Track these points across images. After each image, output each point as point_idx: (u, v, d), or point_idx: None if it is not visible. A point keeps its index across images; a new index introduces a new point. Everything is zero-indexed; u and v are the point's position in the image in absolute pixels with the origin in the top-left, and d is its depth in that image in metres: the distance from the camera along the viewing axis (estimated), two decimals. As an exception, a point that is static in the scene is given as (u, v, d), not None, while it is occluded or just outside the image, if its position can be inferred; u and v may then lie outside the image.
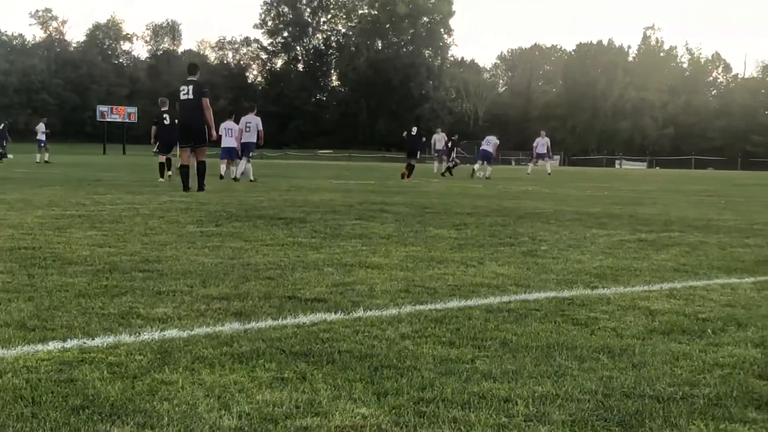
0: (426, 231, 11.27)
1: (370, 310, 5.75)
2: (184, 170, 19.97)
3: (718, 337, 5.26)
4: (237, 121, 28.70)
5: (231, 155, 28.72)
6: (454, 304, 6.08)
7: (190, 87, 19.25)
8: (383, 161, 75.74)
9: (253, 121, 27.96)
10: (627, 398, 3.92)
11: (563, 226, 12.36)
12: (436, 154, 47.32)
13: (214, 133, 19.81)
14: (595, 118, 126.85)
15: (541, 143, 47.64)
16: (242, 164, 27.49)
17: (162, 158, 27.13)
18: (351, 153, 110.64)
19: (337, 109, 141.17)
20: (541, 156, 48.58)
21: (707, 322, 5.69)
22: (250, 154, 28.01)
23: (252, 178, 26.95)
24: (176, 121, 23.44)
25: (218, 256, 8.35)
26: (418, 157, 35.68)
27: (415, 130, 36.42)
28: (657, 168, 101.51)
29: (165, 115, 27.38)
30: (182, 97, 19.37)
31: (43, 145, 48.48)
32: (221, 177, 27.63)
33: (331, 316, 5.53)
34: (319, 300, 6.09)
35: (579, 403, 3.82)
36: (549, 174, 44.52)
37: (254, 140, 27.76)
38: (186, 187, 19.46)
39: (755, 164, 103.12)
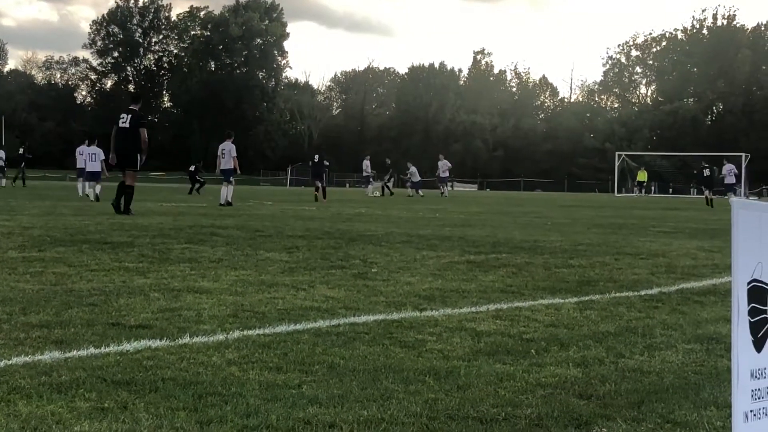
0: (257, 254, 11.19)
1: (197, 336, 5.67)
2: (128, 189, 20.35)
3: (541, 357, 5.37)
4: (90, 146, 32.76)
5: (94, 178, 32.27)
6: (282, 328, 6.05)
7: (129, 116, 20.06)
8: (215, 183, 75.11)
9: (227, 147, 29.37)
10: (451, 420, 3.95)
11: (394, 248, 12.45)
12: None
13: (144, 157, 20.32)
14: (428, 140, 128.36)
15: (444, 167, 49.36)
16: (224, 189, 28.77)
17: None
18: (184, 174, 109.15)
19: (170, 130, 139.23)
20: (443, 180, 50.22)
21: (531, 342, 5.80)
22: (231, 178, 29.34)
23: (230, 201, 28.42)
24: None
25: (40, 282, 8.10)
26: (324, 180, 38.46)
27: (317, 157, 39.83)
28: (488, 190, 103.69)
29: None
30: (120, 124, 20.09)
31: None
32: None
33: (156, 343, 5.42)
34: (144, 326, 5.97)
35: (404, 427, 3.84)
36: (443, 195, 47.05)
37: (231, 166, 29.12)
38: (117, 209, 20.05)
39: (580, 186, 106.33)
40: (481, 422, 3.94)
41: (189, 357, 5.07)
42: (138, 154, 20.04)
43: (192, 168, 46.70)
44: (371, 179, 50.47)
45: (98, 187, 31.85)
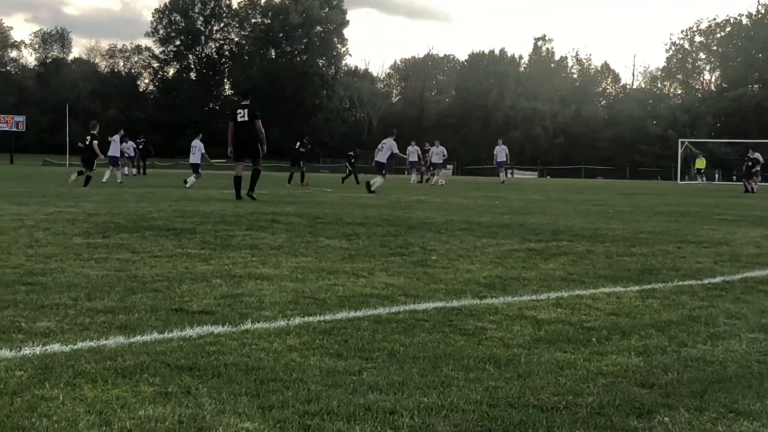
0: (317, 241, 11.24)
1: (258, 323, 5.71)
2: (237, 180, 22.35)
3: (602, 345, 5.35)
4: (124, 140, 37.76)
5: (114, 163, 37.67)
6: (342, 315, 6.08)
7: (246, 111, 22.05)
8: (277, 171, 75.24)
9: (388, 143, 32.51)
10: (512, 408, 3.95)
11: (453, 236, 12.44)
12: (410, 166, 50.21)
13: (265, 148, 22.30)
14: (487, 127, 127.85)
15: (501, 151, 48.76)
16: (378, 179, 31.21)
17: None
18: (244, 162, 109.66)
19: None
20: (500, 165, 49.64)
21: (592, 330, 5.78)
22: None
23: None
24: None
25: (104, 268, 8.21)
26: (302, 165, 40.13)
27: (298, 144, 41.10)
28: (548, 177, 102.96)
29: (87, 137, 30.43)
30: (239, 119, 22.06)
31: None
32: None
33: (219, 329, 5.48)
34: (207, 312, 6.03)
35: (464, 414, 3.84)
36: (502, 182, 46.38)
37: (384, 160, 32.27)
38: (238, 196, 21.93)
39: (642, 173, 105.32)
40: (541, 410, 3.93)
41: (251, 343, 5.12)
42: (258, 144, 21.94)
43: (351, 154, 47.07)
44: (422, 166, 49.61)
45: (116, 172, 37.10)
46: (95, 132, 29.89)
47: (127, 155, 40.92)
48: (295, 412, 3.80)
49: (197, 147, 34.72)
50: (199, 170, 34.15)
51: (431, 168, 47.87)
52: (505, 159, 50.87)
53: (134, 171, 47.90)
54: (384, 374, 4.49)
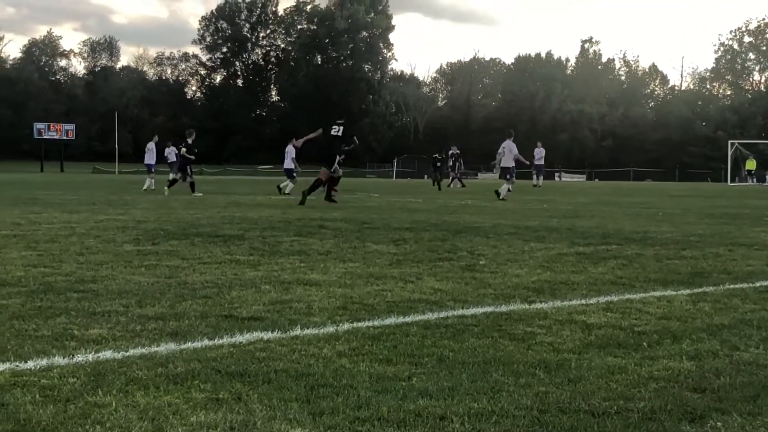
0: (365, 247, 11.26)
1: (308, 328, 5.73)
2: (318, 183, 24.05)
3: (653, 350, 5.31)
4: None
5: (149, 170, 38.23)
6: (391, 320, 6.08)
7: (341, 128, 23.87)
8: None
9: (507, 145, 31.43)
10: (562, 413, 3.93)
11: (502, 240, 12.41)
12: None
13: (341, 159, 24.14)
14: (534, 130, 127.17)
15: (539, 153, 48.38)
16: (505, 185, 30.61)
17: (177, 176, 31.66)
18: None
19: (277, 124, 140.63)
20: (538, 168, 49.15)
21: (643, 335, 5.73)
22: (510, 176, 31.22)
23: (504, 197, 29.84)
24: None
25: (155, 275, 8.28)
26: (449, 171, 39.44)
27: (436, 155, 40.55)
28: (596, 180, 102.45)
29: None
30: (332, 132, 23.82)
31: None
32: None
33: (268, 335, 5.50)
34: (256, 318, 6.06)
35: (514, 420, 3.83)
36: (536, 186, 45.89)
37: (512, 164, 31.11)
38: (328, 197, 23.89)
39: (692, 175, 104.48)
40: (592, 415, 3.91)
41: (300, 349, 5.13)
42: (338, 157, 23.75)
43: (437, 157, 46.81)
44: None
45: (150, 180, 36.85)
46: (188, 140, 30.83)
47: (169, 161, 40.72)
48: (345, 418, 3.80)
49: (289, 153, 34.39)
50: (294, 175, 33.78)
51: (534, 170, 47.92)
52: (542, 162, 50.27)
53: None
54: (434, 380, 4.49)
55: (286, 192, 31.28)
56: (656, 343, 5.50)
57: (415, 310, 6.50)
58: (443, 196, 30.97)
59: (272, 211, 19.20)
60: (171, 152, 40.12)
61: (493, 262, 9.81)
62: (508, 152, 30.97)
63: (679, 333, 5.81)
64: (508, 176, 30.60)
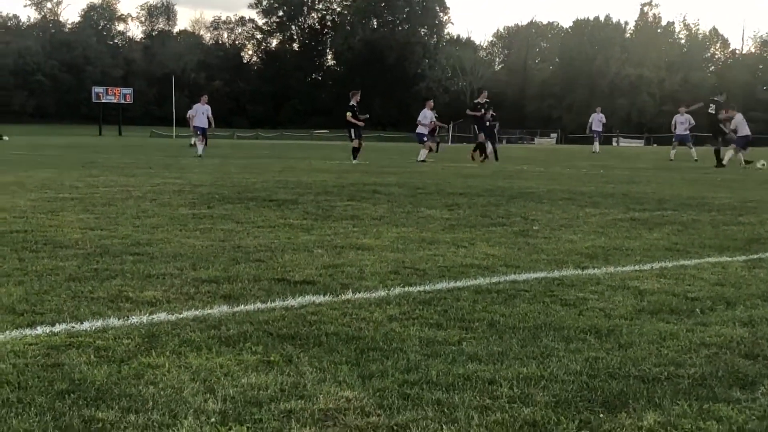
0: (418, 212, 11.26)
1: (359, 293, 5.76)
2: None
3: (706, 316, 5.27)
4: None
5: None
6: (443, 285, 6.09)
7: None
8: (379, 141, 75.33)
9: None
10: (612, 379, 3.92)
11: (556, 206, 12.35)
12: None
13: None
14: (592, 95, 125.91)
15: (597, 119, 46.94)
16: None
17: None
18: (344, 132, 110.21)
19: (333, 88, 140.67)
20: (596, 134, 47.79)
21: (696, 301, 5.69)
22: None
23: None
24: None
25: (209, 238, 8.35)
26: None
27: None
28: (654, 145, 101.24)
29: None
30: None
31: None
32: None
33: (320, 299, 5.54)
34: (309, 282, 6.10)
35: (563, 384, 3.83)
36: (594, 152, 44.89)
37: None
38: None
39: (754, 141, 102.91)
40: (642, 381, 3.90)
41: (351, 312, 5.16)
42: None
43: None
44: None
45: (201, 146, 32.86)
46: (352, 103, 29.13)
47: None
48: (394, 381, 3.83)
49: (425, 117, 32.39)
50: (425, 139, 32.13)
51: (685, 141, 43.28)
52: (600, 128, 49.02)
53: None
54: (483, 344, 4.50)
55: (420, 159, 30.42)
56: (709, 309, 5.47)
57: (466, 275, 6.50)
58: (496, 162, 30.79)
59: (326, 175, 19.24)
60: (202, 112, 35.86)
61: (547, 227, 9.78)
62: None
63: (733, 299, 5.76)
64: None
